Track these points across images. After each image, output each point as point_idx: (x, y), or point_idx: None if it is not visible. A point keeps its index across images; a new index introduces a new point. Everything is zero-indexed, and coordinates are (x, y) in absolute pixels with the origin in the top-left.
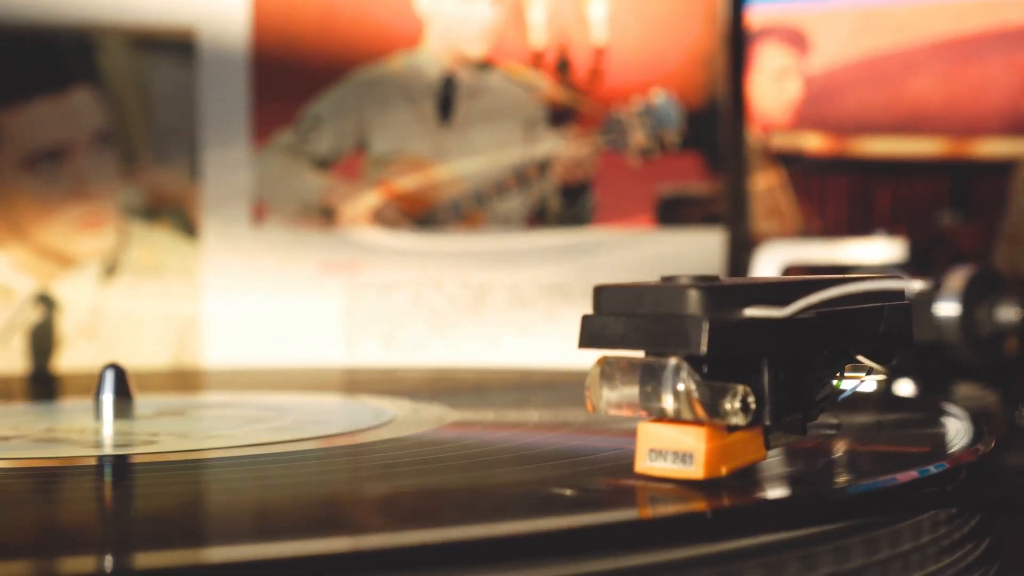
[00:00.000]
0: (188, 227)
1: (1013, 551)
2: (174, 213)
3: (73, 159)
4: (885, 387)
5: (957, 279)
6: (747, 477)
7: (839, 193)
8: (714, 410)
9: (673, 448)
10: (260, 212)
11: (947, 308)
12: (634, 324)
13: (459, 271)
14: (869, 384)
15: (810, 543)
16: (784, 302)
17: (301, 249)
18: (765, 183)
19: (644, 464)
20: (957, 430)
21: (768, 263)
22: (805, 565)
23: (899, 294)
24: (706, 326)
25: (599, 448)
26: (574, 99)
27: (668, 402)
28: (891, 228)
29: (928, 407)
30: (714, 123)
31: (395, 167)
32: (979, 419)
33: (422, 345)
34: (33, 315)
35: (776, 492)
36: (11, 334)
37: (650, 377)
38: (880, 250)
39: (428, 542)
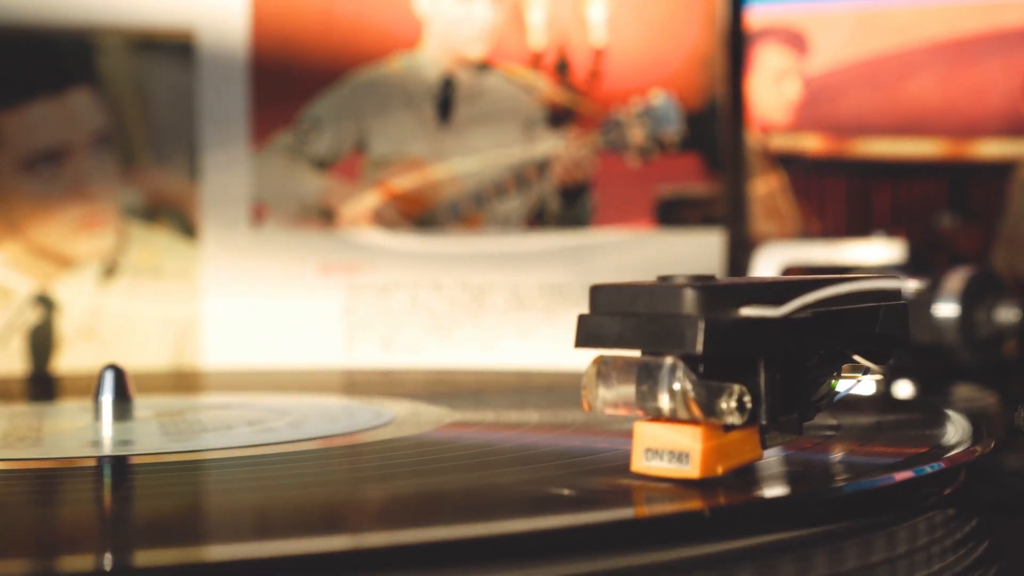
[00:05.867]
0: (187, 228)
1: (1012, 552)
2: (173, 214)
3: (72, 160)
4: (884, 388)
5: (956, 280)
6: (744, 476)
7: (838, 194)
8: (710, 409)
9: (669, 448)
10: (259, 213)
11: (946, 309)
12: (630, 323)
13: (458, 272)
14: (866, 385)
15: (808, 544)
16: (780, 302)
17: (300, 250)
18: (764, 184)
19: (641, 464)
20: (956, 431)
21: (767, 264)
22: (803, 566)
23: (895, 294)
24: (702, 325)
25: (597, 448)
26: (573, 100)
27: (664, 401)
28: (890, 229)
29: (927, 408)
30: (713, 124)
31: (394, 168)
32: (978, 420)
33: (421, 346)
34: (32, 316)
35: (773, 491)
36: (10, 335)
37: (646, 376)
38: (879, 251)
39: (427, 542)
